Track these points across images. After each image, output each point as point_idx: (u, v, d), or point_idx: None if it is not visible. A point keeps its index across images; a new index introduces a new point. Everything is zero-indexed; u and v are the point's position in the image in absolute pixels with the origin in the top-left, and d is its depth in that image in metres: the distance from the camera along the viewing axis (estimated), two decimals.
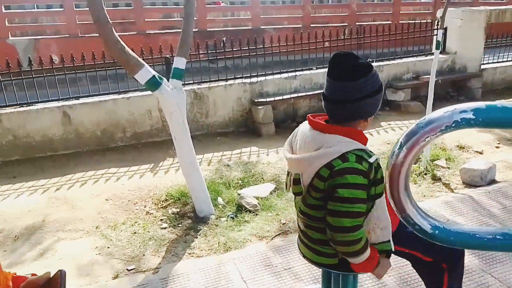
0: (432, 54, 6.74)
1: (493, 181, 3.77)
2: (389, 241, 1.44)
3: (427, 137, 0.47)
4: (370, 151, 1.37)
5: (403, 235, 1.51)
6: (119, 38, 2.90)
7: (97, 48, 5.06)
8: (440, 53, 6.90)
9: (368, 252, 1.37)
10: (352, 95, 1.35)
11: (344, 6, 12.64)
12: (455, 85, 7.03)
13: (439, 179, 3.90)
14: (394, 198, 0.51)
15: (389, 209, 1.38)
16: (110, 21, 2.86)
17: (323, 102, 1.45)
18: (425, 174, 3.97)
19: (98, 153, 4.95)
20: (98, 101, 5.06)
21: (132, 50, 3.24)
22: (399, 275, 2.44)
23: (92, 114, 5.03)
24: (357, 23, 11.29)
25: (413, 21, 7.10)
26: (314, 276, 2.47)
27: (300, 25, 11.30)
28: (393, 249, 1.46)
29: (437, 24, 6.44)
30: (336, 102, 1.38)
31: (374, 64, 6.49)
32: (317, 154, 1.32)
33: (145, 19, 10.23)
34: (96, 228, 3.23)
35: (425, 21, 7.07)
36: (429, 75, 4.11)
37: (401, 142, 0.48)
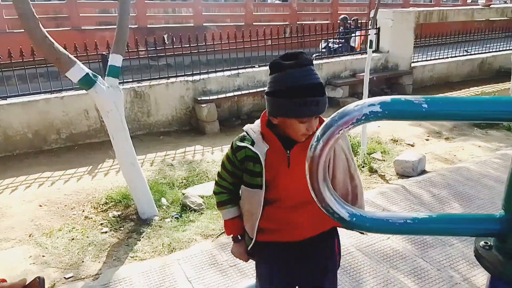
0: None
1: (423, 172, 4.05)
2: (248, 234, 1.58)
3: (341, 129, 0.50)
4: (250, 137, 1.45)
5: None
6: (47, 34, 2.73)
7: (26, 45, 4.72)
8: (374, 52, 7.32)
9: (223, 215, 1.63)
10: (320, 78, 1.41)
11: (286, 6, 12.92)
12: (388, 82, 7.46)
13: (376, 171, 4.12)
14: (314, 189, 0.53)
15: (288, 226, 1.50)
16: (37, 16, 2.68)
17: (306, 91, 1.31)
18: (363, 167, 4.18)
19: (29, 156, 4.63)
20: (28, 101, 4.74)
21: (65, 46, 3.07)
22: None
23: (22, 115, 4.69)
24: (298, 22, 11.59)
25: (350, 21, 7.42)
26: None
27: (243, 23, 11.37)
28: (235, 239, 1.63)
29: (370, 24, 6.77)
30: (321, 86, 1.38)
31: (314, 62, 6.70)
32: None
33: (80, 14, 9.73)
34: (30, 236, 3.02)
35: (361, 21, 7.43)
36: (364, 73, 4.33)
37: (318, 135, 0.51)
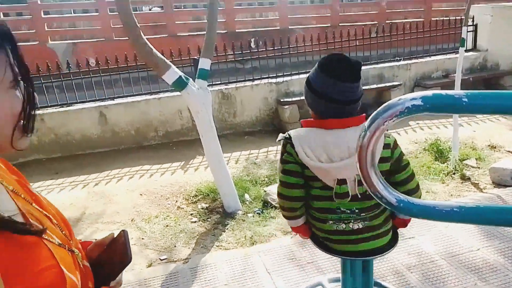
0: (467, 51, 6.63)
1: None
2: None
3: (386, 121, 0.55)
4: None
5: None
6: (147, 41, 3.08)
7: (129, 51, 5.32)
8: (471, 50, 6.80)
9: None
10: (362, 90, 1.54)
11: (374, 4, 12.50)
12: (487, 83, 6.86)
13: (468, 179, 3.87)
14: (364, 176, 0.60)
15: None
16: (139, 25, 3.04)
17: (337, 104, 1.46)
18: (454, 173, 3.95)
19: (132, 151, 5.21)
20: (131, 101, 5.33)
21: (162, 52, 3.42)
22: (421, 272, 2.49)
23: (126, 114, 5.29)
24: (387, 21, 11.16)
25: (446, 18, 6.97)
26: (336, 269, 2.55)
27: (329, 25, 11.28)
28: None
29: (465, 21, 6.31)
30: (357, 101, 1.50)
31: (402, 62, 6.46)
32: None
33: (175, 22, 10.52)
34: (132, 220, 3.44)
35: (457, 17, 6.93)
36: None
37: (365, 126, 0.58)
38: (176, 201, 3.74)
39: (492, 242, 2.73)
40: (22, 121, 0.70)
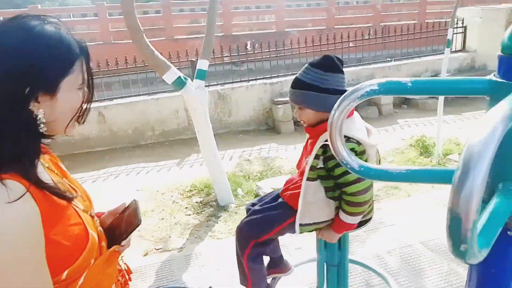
0: (455, 52, 6.82)
1: None
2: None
3: (350, 102, 0.71)
4: None
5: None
6: (149, 43, 3.26)
7: (128, 54, 5.50)
8: (460, 51, 6.99)
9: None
10: None
11: (369, 7, 12.72)
12: None
13: None
14: (333, 145, 0.77)
15: None
16: (142, 28, 3.22)
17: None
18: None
19: (129, 149, 5.38)
20: (130, 102, 5.50)
21: (161, 54, 3.60)
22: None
23: (124, 114, 5.46)
24: (381, 23, 11.37)
25: (441, 20, 7.16)
26: None
27: (324, 27, 11.48)
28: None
29: (456, 23, 6.51)
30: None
31: (393, 63, 6.64)
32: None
33: (173, 25, 10.71)
34: None
35: (449, 19, 7.11)
36: (448, 73, 4.25)
37: (335, 107, 0.74)
38: (172, 196, 3.91)
39: None
40: (78, 114, 0.90)
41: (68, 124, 0.88)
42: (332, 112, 0.78)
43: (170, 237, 3.22)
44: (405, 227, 2.98)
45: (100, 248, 0.96)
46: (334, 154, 0.82)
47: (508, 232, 0.65)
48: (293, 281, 2.47)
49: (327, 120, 1.67)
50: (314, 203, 1.65)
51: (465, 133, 4.98)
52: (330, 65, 1.62)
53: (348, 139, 1.54)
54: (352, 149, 1.54)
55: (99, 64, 5.44)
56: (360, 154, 1.59)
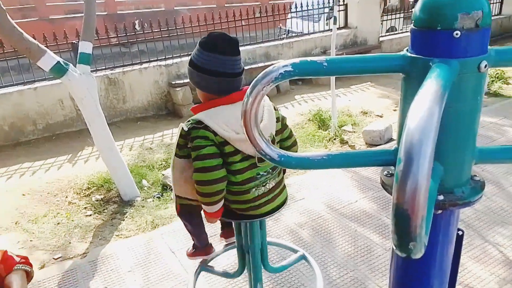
0: (340, 29, 7.27)
1: (390, 140, 4.29)
2: None
3: (264, 87, 0.63)
4: None
5: None
6: (15, 24, 2.78)
7: None
8: (343, 28, 7.49)
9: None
10: (242, 66, 1.62)
11: None
12: None
13: (346, 142, 4.34)
14: (250, 137, 0.68)
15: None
16: (4, 7, 2.72)
17: (229, 78, 1.54)
18: (334, 139, 4.39)
19: (7, 148, 4.66)
20: (1, 93, 4.73)
21: (34, 37, 3.10)
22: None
23: None
24: (270, 2, 11.59)
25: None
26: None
27: (214, 5, 11.31)
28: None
29: (336, 0, 6.91)
30: (241, 74, 1.58)
31: (285, 41, 6.84)
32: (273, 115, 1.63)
33: (46, 4, 9.49)
34: (16, 223, 3.12)
35: None
36: (336, 49, 4.49)
37: (247, 93, 0.65)
38: (67, 197, 3.50)
39: (367, 193, 3.15)
40: None
41: None
42: (245, 99, 0.70)
43: (70, 243, 2.89)
44: (314, 200, 3.11)
45: None
46: (253, 145, 0.74)
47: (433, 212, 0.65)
48: (215, 267, 2.40)
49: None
50: (181, 179, 1.63)
51: (355, 105, 5.38)
52: (209, 43, 1.53)
53: (206, 126, 1.48)
54: (206, 137, 1.49)
55: None
56: (230, 153, 1.54)
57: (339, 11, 7.05)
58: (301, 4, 6.84)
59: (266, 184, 1.67)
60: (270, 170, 1.68)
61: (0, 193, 3.59)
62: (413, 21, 0.63)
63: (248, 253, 1.85)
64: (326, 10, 7.51)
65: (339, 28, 7.32)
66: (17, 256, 0.96)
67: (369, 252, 2.49)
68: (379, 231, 2.68)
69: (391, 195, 0.77)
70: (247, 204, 1.65)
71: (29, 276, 0.96)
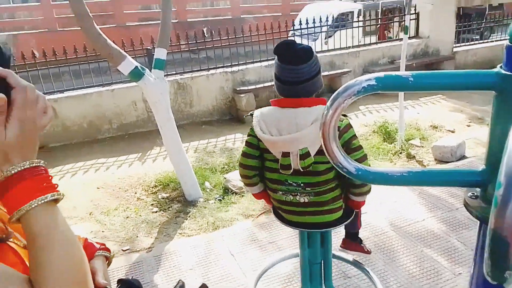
0: (410, 38, 7.00)
1: (463, 157, 4.04)
2: None
3: (345, 100, 0.63)
4: None
5: None
6: (100, 31, 3.02)
7: (77, 42, 5.13)
8: (414, 37, 7.20)
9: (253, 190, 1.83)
10: (310, 73, 1.61)
11: None
12: (429, 68, 7.31)
13: (413, 157, 4.16)
14: (328, 150, 0.68)
15: None
16: (91, 15, 2.97)
17: (284, 85, 1.63)
18: (400, 153, 4.22)
19: (86, 145, 5.06)
20: (83, 94, 5.15)
21: (113, 42, 3.36)
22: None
23: (77, 107, 5.12)
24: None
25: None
26: (295, 247, 2.69)
27: (280, 14, 11.43)
28: None
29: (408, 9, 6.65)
30: (303, 82, 1.59)
31: (350, 50, 6.72)
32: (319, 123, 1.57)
33: (124, 11, 10.20)
34: (90, 214, 3.38)
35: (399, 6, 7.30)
36: (405, 59, 4.33)
37: (328, 106, 0.66)
38: (136, 193, 3.72)
39: (435, 213, 2.99)
40: None
41: None
42: (325, 111, 0.70)
43: (137, 236, 3.06)
44: (378, 215, 3.01)
45: None
46: (328, 158, 0.74)
47: None
48: (274, 278, 2.42)
49: None
50: None
51: (424, 118, 5.14)
52: (275, 49, 1.63)
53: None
54: (252, 129, 1.68)
55: (46, 53, 5.03)
56: (264, 150, 1.68)
57: (410, 19, 6.79)
58: (300, 21, 6.43)
59: (296, 195, 1.70)
60: (302, 185, 1.66)
61: (78, 185, 3.91)
62: (509, 38, 0.60)
63: (316, 265, 1.84)
64: (324, 28, 7.09)
65: (409, 38, 7.05)
66: (97, 243, 1.04)
67: (437, 275, 2.36)
68: (448, 254, 2.53)
69: (476, 217, 0.74)
70: (276, 203, 1.79)
71: (108, 261, 1.04)
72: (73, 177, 4.15)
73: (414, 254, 2.55)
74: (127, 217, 3.31)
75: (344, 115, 1.71)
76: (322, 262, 1.84)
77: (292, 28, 6.37)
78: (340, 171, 0.73)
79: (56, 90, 5.12)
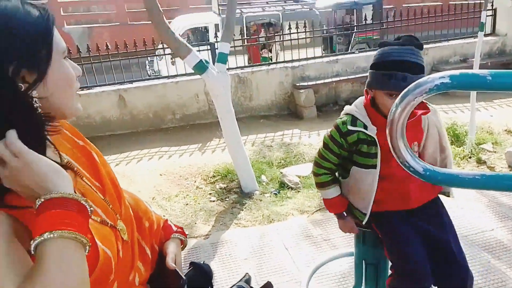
0: (486, 36, 6.52)
1: None
2: (359, 210, 1.64)
3: (416, 97, 0.61)
4: (361, 121, 1.54)
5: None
6: (169, 26, 3.15)
7: (146, 35, 5.40)
8: (490, 35, 6.69)
9: (326, 194, 1.67)
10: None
11: None
12: (505, 68, 6.75)
13: (484, 162, 3.88)
14: (394, 148, 0.65)
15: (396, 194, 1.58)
16: (161, 10, 3.10)
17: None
18: (470, 157, 3.96)
19: (150, 133, 5.33)
20: (149, 85, 5.42)
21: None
22: None
23: (144, 97, 5.39)
24: (403, 5, 10.98)
25: (465, 2, 6.85)
26: (350, 246, 2.63)
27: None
28: (362, 220, 1.63)
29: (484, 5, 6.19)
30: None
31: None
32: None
33: (190, 6, 10.52)
34: (153, 199, 3.56)
35: (476, 1, 6.80)
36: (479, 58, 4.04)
37: (397, 102, 0.63)
38: (195, 181, 3.85)
39: (506, 223, 2.78)
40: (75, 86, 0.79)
41: (68, 102, 0.77)
42: (393, 108, 0.67)
43: (195, 223, 3.18)
44: None
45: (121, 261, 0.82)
46: (395, 156, 0.71)
47: None
48: (328, 275, 2.40)
49: None
50: None
51: (498, 121, 4.78)
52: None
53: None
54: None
55: (118, 45, 5.34)
56: (365, 142, 1.54)
57: (486, 16, 6.31)
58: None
59: None
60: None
61: (143, 170, 4.13)
62: None
63: (371, 265, 1.80)
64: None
65: (485, 35, 6.56)
66: (175, 225, 1.09)
67: None
68: None
69: None
70: None
71: (183, 244, 1.09)
72: (138, 163, 4.39)
73: (481, 264, 2.40)
74: (187, 204, 3.44)
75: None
76: (378, 263, 1.79)
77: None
78: (407, 170, 0.70)
79: (125, 80, 5.43)
